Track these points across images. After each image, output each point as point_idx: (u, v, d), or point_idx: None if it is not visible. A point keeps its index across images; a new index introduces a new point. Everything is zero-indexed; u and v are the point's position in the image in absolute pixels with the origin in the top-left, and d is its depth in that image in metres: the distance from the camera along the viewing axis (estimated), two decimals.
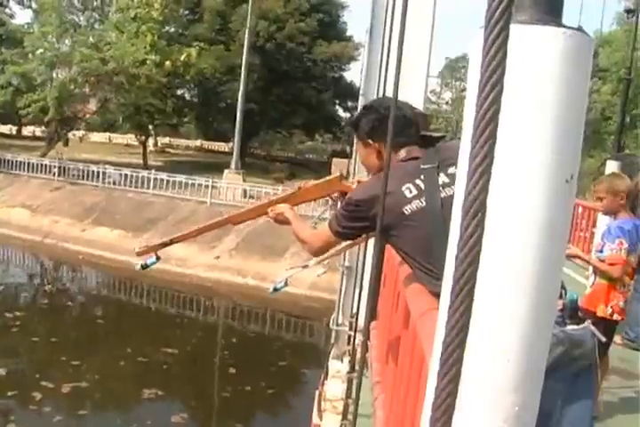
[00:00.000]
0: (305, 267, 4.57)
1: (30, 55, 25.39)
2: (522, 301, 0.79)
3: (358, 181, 2.72)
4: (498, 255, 0.78)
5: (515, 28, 0.74)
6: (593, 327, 2.05)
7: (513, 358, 0.79)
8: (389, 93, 2.30)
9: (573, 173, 0.80)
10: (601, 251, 3.61)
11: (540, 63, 0.77)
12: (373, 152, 2.22)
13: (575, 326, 1.99)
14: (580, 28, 0.79)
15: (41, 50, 25.02)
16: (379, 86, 3.85)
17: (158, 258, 2.71)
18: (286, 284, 3.05)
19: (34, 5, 29.50)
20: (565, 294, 1.99)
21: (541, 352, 0.82)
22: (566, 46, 0.77)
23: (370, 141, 2.22)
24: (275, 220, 2.62)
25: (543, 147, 0.78)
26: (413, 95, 4.55)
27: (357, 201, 2.13)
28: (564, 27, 0.77)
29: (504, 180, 0.77)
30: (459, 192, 0.74)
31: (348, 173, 5.57)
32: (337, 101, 34.56)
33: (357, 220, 2.13)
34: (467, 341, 0.78)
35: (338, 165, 19.20)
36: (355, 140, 2.82)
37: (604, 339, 2.13)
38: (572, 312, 1.99)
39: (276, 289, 3.13)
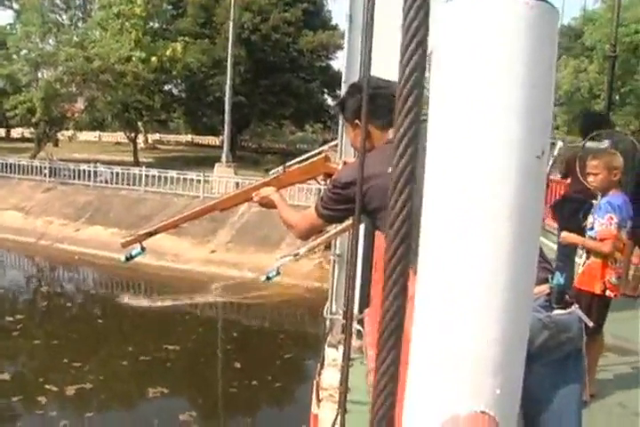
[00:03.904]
0: (296, 255, 4.54)
1: (14, 56, 25.24)
2: (499, 279, 0.77)
3: (344, 162, 2.68)
4: (470, 233, 0.76)
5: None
6: (580, 312, 2.02)
7: (492, 337, 0.77)
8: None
9: (544, 149, 0.79)
10: (592, 228, 3.61)
11: (503, 34, 0.75)
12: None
13: (562, 311, 1.96)
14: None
15: (25, 50, 24.90)
16: (361, 74, 3.83)
17: (143, 249, 2.67)
18: (278, 272, 3.04)
19: (15, 6, 29.32)
20: (552, 279, 1.96)
21: (522, 332, 0.81)
22: (529, 17, 0.75)
23: (357, 122, 2.17)
24: (260, 204, 2.60)
25: (512, 122, 0.76)
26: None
27: (343, 183, 2.09)
28: None
29: (473, 157, 0.76)
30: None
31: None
32: (325, 90, 34.45)
33: (343, 202, 2.09)
34: (444, 322, 0.77)
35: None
36: (342, 123, 2.74)
37: (591, 324, 2.09)
38: (559, 297, 1.96)
39: (268, 278, 3.12)
